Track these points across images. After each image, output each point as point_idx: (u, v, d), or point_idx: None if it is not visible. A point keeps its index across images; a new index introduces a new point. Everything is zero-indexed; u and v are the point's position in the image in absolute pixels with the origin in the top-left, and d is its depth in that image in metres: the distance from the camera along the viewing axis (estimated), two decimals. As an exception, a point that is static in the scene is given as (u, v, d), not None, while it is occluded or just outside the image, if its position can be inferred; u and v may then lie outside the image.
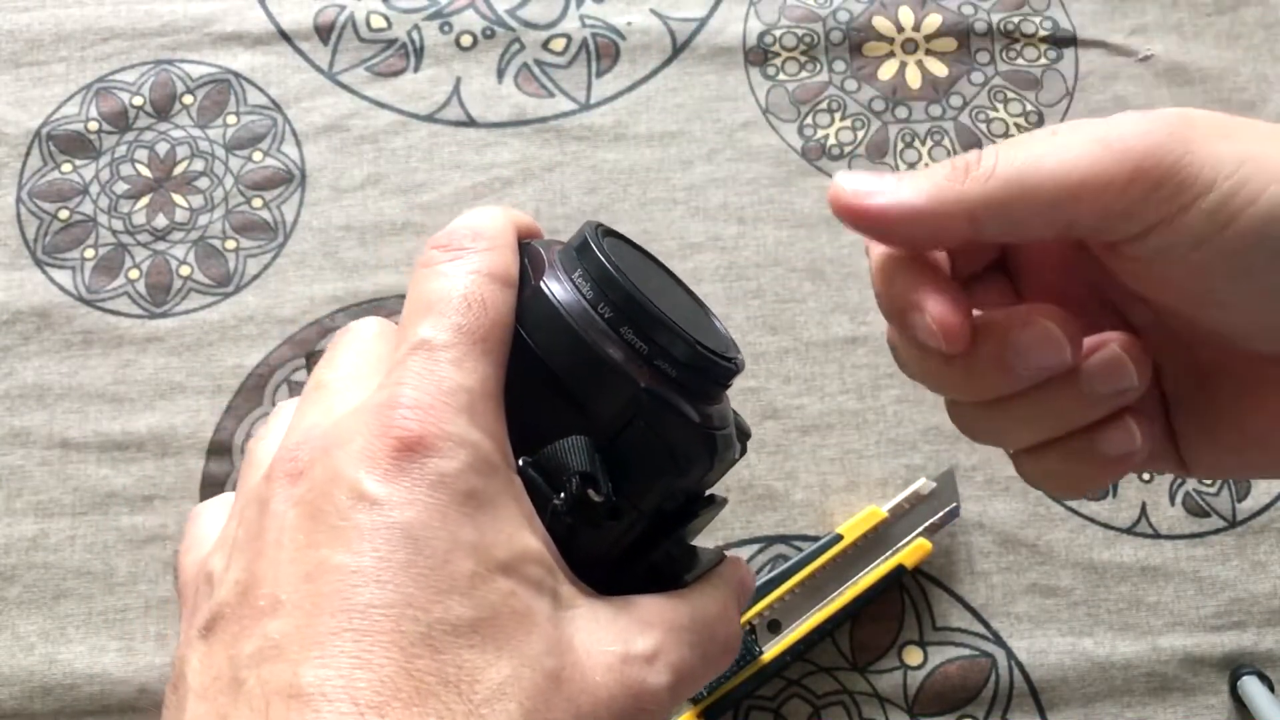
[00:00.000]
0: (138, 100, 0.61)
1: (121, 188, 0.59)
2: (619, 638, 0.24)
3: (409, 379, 0.23)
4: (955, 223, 0.23)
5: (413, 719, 0.20)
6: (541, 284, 0.26)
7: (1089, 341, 0.25)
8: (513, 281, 0.26)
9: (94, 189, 0.59)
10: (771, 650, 0.51)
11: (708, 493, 0.28)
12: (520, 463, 0.24)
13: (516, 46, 0.62)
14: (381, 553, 0.21)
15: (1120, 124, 0.22)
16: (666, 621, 0.25)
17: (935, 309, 0.24)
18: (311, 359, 0.55)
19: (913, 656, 0.53)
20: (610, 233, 0.28)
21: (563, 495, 0.24)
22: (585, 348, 0.25)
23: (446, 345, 0.24)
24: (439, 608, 0.21)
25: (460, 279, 0.25)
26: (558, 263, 0.26)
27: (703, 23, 0.62)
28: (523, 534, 0.23)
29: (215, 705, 0.21)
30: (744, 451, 0.28)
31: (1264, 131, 0.22)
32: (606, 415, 0.25)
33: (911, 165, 0.60)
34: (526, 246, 0.27)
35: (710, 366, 0.26)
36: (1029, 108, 0.61)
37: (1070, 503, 0.54)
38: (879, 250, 0.25)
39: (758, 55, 0.62)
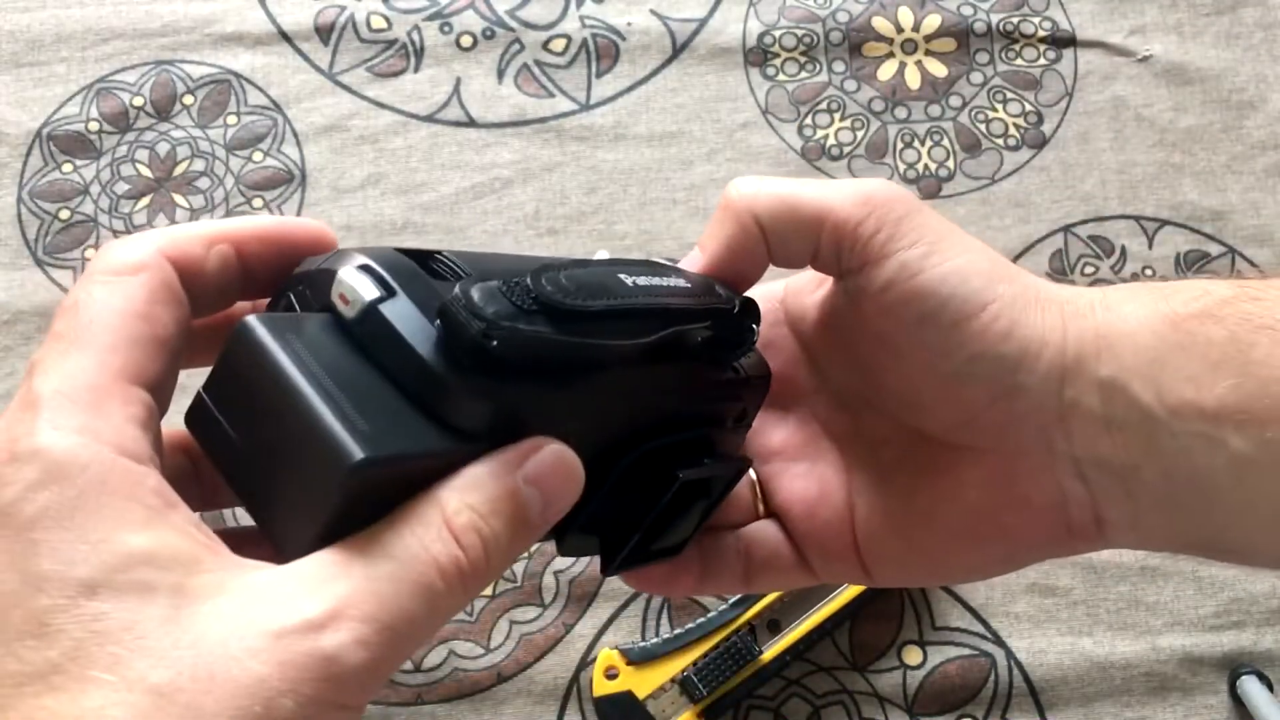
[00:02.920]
0: (138, 100, 0.61)
1: (122, 188, 0.60)
2: (278, 610, 0.21)
3: (7, 410, 0.22)
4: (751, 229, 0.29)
5: None
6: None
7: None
8: (127, 268, 0.24)
9: (95, 189, 0.60)
10: (771, 650, 0.51)
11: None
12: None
13: (516, 47, 0.62)
14: None
15: (871, 185, 0.29)
16: (353, 570, 0.22)
17: None
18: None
19: (912, 656, 0.53)
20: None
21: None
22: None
23: (41, 358, 0.22)
24: (10, 660, 0.19)
25: (70, 293, 0.24)
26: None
27: (703, 23, 0.62)
28: (123, 534, 0.21)
29: None
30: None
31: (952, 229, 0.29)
32: None
33: (911, 165, 0.60)
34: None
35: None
36: (1028, 108, 0.61)
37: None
38: None
39: (757, 55, 0.62)
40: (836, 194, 0.28)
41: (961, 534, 0.29)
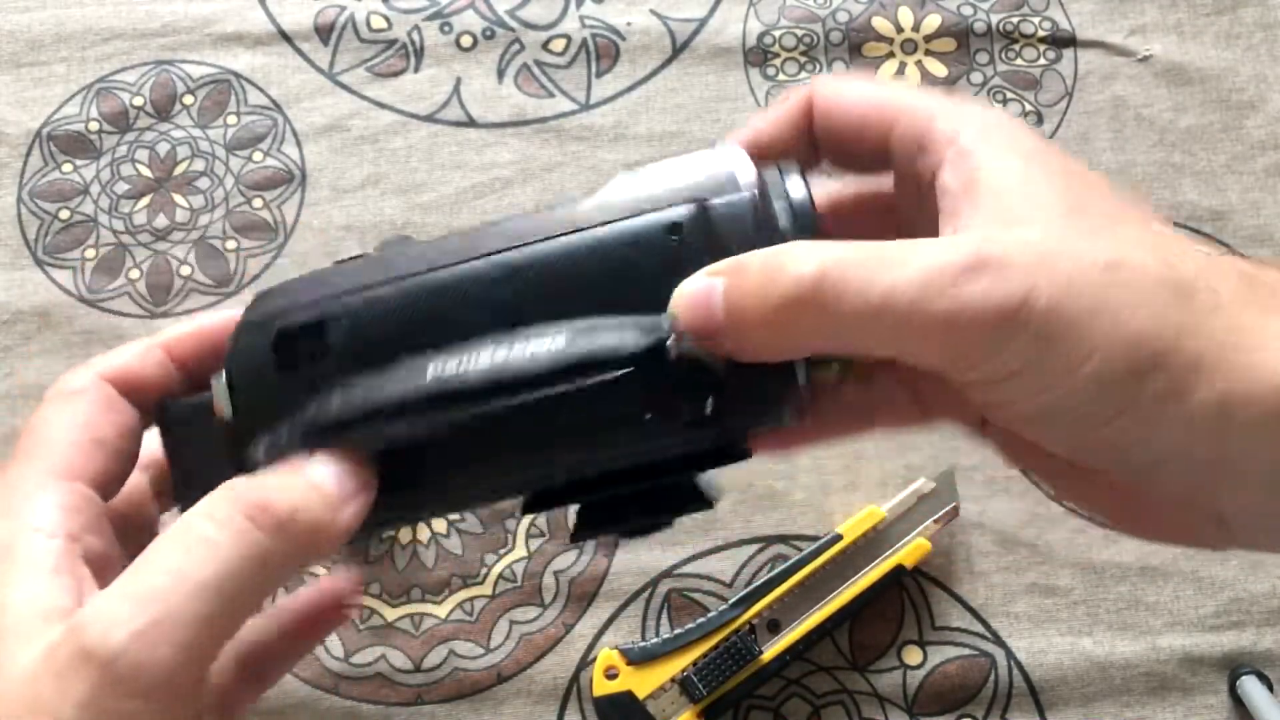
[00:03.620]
0: (138, 100, 0.61)
1: (122, 188, 0.60)
2: (58, 628, 0.24)
3: None
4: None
5: None
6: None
7: None
8: (62, 394, 0.29)
9: (94, 189, 0.60)
10: (771, 650, 0.51)
11: None
12: None
13: (516, 47, 0.62)
14: None
15: (975, 279, 0.22)
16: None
17: None
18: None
19: (912, 656, 0.53)
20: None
21: None
22: None
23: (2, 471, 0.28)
24: None
25: (30, 417, 0.29)
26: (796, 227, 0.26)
27: (703, 23, 0.62)
28: (4, 592, 0.25)
29: None
30: None
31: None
32: None
33: (911, 165, 0.60)
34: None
35: None
36: (1028, 108, 0.61)
37: (1070, 502, 0.54)
38: None
39: (757, 56, 0.62)
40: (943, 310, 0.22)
41: (1094, 510, 0.28)
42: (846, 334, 0.23)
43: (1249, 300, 0.23)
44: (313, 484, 0.25)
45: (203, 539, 0.24)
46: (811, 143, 0.29)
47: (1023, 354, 0.22)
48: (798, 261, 0.23)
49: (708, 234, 0.25)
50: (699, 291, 0.24)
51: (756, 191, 0.26)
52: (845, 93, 0.28)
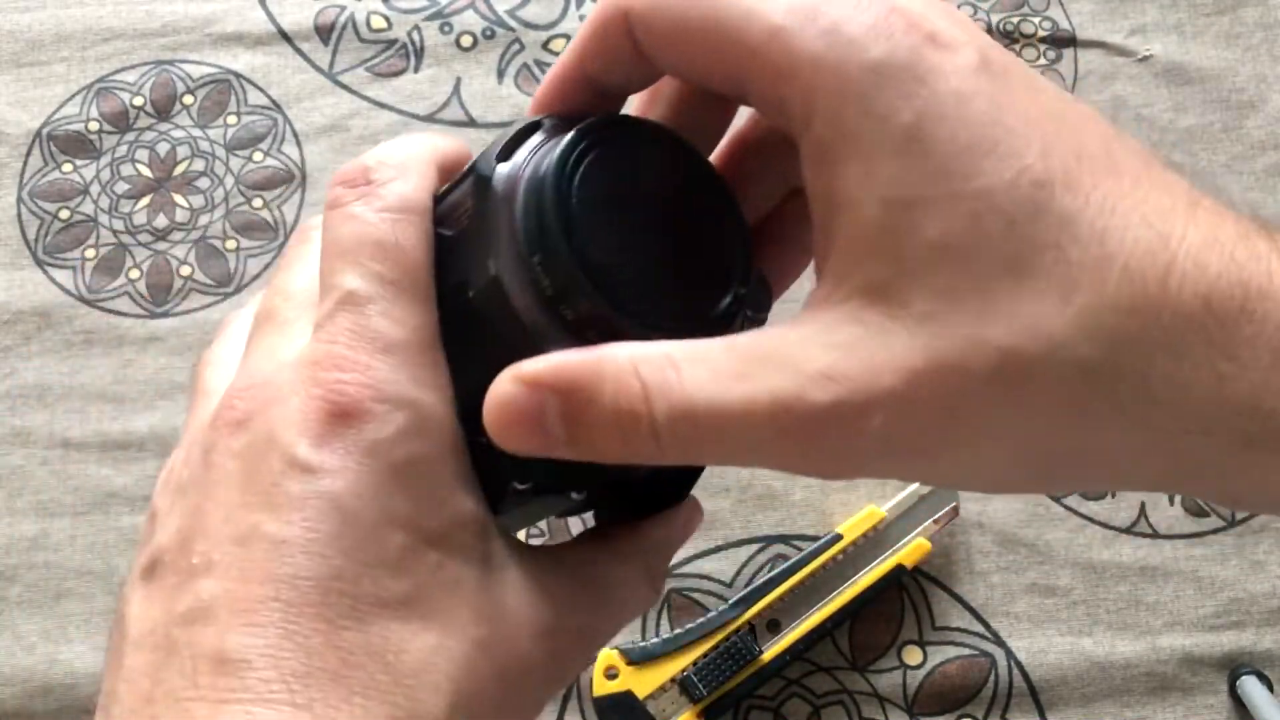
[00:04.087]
0: (138, 100, 0.61)
1: (122, 188, 0.60)
2: (551, 605, 0.24)
3: (341, 336, 0.22)
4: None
5: (337, 689, 0.20)
6: (500, 276, 0.22)
7: None
8: (423, 209, 0.24)
9: (95, 189, 0.60)
10: (771, 650, 0.51)
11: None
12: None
13: (516, 47, 0.62)
14: (310, 523, 0.21)
15: (801, 403, 0.20)
16: (593, 593, 0.25)
17: None
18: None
19: (912, 656, 0.53)
20: (596, 142, 0.23)
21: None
22: (531, 347, 0.22)
23: (373, 297, 0.22)
24: (367, 581, 0.21)
25: (370, 220, 0.23)
26: (519, 233, 0.22)
27: (702, 23, 0.62)
28: (458, 497, 0.23)
29: (149, 660, 0.21)
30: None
31: None
32: None
33: (911, 165, 0.60)
34: (482, 184, 0.23)
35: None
36: (1028, 108, 0.61)
37: (1069, 502, 0.54)
38: None
39: (757, 55, 0.62)
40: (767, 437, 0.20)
41: None
42: (716, 461, 0.22)
43: (1172, 376, 0.20)
44: None
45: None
46: (647, 71, 0.24)
47: (914, 476, 0.23)
48: (653, 417, 0.20)
49: (468, 324, 0.23)
50: (524, 415, 0.20)
51: (497, 277, 0.22)
52: (667, 13, 0.22)
